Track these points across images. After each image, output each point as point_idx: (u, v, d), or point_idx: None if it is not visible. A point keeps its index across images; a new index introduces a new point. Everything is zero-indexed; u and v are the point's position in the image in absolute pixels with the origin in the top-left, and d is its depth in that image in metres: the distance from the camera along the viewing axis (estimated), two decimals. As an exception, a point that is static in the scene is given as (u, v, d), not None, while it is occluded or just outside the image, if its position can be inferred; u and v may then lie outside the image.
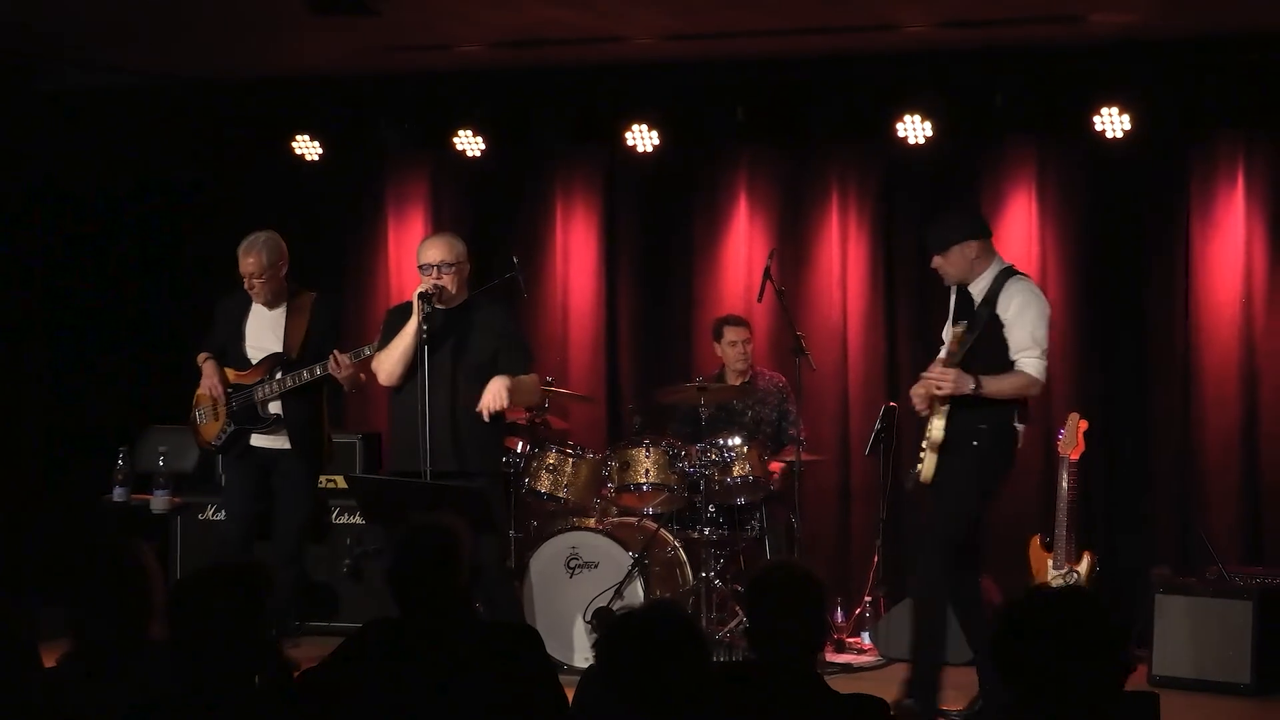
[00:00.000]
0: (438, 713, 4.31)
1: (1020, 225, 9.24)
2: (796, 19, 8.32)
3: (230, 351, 8.09)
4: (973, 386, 6.87)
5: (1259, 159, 8.91)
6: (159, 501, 8.89)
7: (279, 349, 7.97)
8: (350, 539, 9.02)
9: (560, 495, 8.41)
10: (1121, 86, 8.67)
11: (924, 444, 7.04)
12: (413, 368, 7.40)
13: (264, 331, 8.03)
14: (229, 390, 8.02)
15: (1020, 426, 7.07)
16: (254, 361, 8.01)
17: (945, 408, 6.95)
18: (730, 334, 9.00)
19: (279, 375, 7.90)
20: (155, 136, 9.96)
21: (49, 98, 9.66)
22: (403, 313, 7.60)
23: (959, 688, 7.22)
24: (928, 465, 7.02)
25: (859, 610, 8.98)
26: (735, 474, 8.41)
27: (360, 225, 10.38)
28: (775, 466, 8.68)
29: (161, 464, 8.88)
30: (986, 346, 6.96)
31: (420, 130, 9.80)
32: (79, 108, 9.80)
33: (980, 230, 7.14)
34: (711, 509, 8.46)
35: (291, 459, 8.02)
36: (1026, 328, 6.94)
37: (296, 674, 4.33)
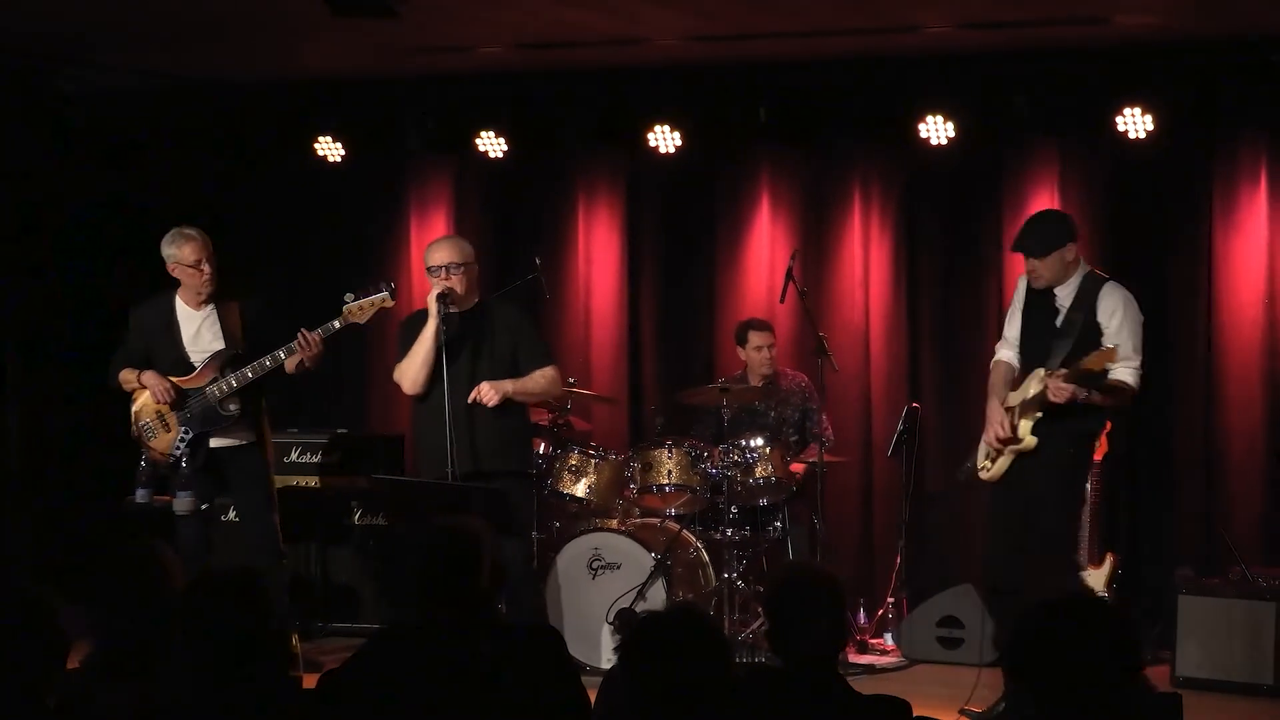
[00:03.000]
0: (460, 714, 4.31)
1: (1043, 226, 9.22)
2: (818, 21, 8.31)
3: (167, 358, 7.81)
4: (1085, 395, 6.92)
5: (1282, 159, 8.89)
6: (181, 503, 8.89)
7: (222, 346, 7.79)
8: (372, 540, 9.03)
9: (583, 496, 8.42)
10: (1144, 88, 8.65)
11: (994, 443, 7.07)
12: (437, 373, 7.35)
13: (201, 332, 7.83)
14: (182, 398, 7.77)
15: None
16: (198, 365, 7.78)
17: (1038, 414, 6.99)
18: (755, 339, 8.97)
19: (237, 369, 7.68)
20: (177, 139, 9.99)
21: (71, 100, 9.69)
22: (415, 323, 7.55)
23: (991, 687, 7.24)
24: (999, 465, 7.09)
25: (881, 611, 8.98)
26: (758, 475, 8.40)
27: (383, 227, 10.38)
28: (797, 468, 8.67)
29: (184, 466, 8.89)
30: (1081, 353, 6.96)
31: (443, 132, 9.80)
32: (100, 110, 9.82)
33: (1076, 233, 7.21)
34: (734, 510, 8.46)
35: (250, 455, 7.88)
36: (1128, 339, 7.02)
37: (319, 675, 4.35)
